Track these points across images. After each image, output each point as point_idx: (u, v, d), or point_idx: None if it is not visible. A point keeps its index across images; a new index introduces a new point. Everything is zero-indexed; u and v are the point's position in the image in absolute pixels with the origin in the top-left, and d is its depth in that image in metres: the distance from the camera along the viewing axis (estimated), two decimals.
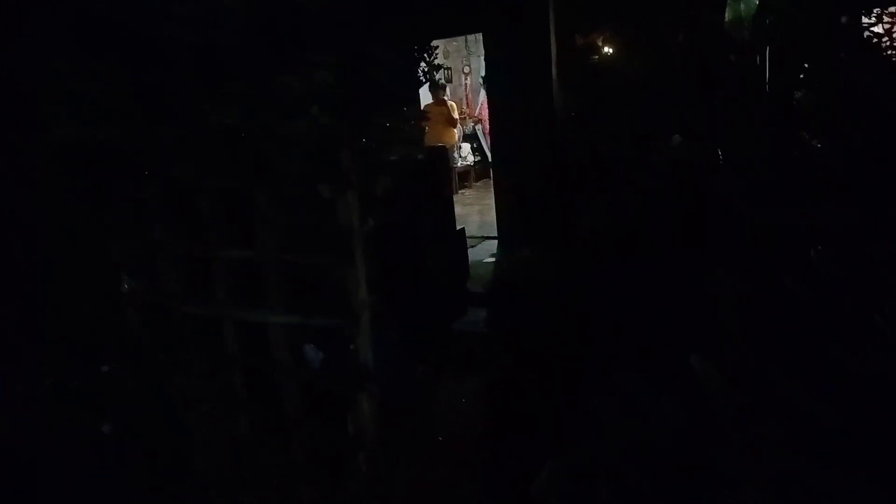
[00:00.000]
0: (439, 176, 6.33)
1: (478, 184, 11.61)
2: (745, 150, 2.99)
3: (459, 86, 11.44)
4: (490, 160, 11.03)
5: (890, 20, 3.12)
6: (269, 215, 3.47)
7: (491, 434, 3.32)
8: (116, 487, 3.06)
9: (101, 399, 3.47)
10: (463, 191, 11.15)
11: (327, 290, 3.61)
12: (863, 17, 3.27)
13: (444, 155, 6.87)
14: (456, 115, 10.32)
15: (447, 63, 11.41)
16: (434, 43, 5.91)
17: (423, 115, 5.65)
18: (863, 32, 3.20)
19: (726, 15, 3.58)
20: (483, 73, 8.53)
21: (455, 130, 10.52)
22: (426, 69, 5.07)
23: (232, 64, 2.83)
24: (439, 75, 11.85)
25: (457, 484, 3.11)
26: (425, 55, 4.74)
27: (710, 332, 2.62)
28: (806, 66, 3.49)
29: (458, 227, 6.36)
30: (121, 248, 3.85)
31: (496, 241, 7.28)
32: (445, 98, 10.51)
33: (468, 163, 11.66)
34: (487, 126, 10.74)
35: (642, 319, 2.88)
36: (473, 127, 11.92)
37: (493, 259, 6.79)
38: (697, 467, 2.37)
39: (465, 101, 12.11)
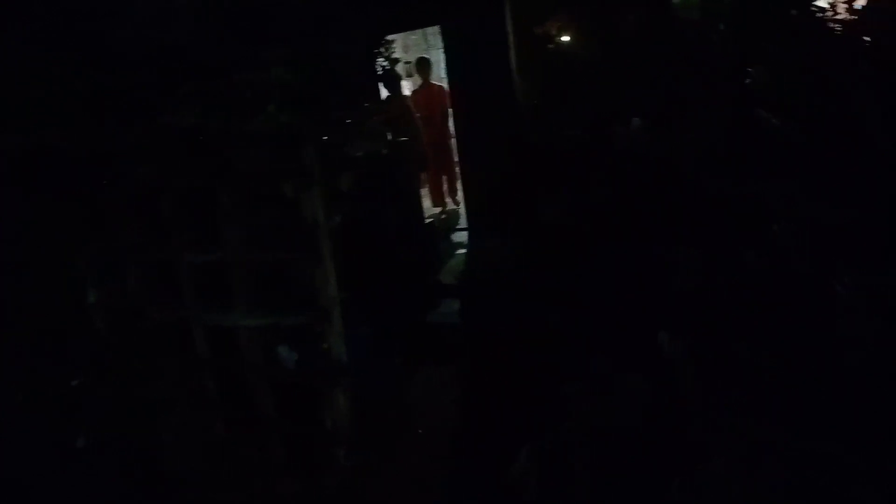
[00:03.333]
0: (406, 169, 6.34)
1: None
2: (702, 130, 3.04)
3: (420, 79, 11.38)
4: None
5: None
6: (233, 216, 3.45)
7: (465, 423, 3.35)
8: (93, 493, 3.02)
9: (74, 408, 3.43)
10: None
11: (297, 288, 3.61)
12: None
13: (410, 149, 6.88)
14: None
15: (407, 57, 11.35)
16: (392, 37, 5.90)
17: (384, 109, 5.64)
18: (810, 6, 3.27)
19: None
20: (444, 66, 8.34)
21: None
22: (385, 63, 5.06)
23: (187, 64, 2.80)
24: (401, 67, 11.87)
25: (433, 473, 3.13)
26: (382, 49, 4.73)
27: (675, 311, 2.68)
28: (759, 42, 3.56)
29: (432, 219, 6.40)
30: (87, 256, 3.80)
31: (467, 233, 7.30)
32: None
33: None
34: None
35: (608, 304, 2.93)
36: None
37: (465, 251, 6.81)
38: (666, 440, 2.43)
39: None
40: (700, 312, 2.62)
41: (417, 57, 9.54)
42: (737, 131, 2.92)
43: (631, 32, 3.88)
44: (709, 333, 2.58)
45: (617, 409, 2.65)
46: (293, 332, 3.69)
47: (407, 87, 11.36)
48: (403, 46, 11.47)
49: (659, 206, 2.94)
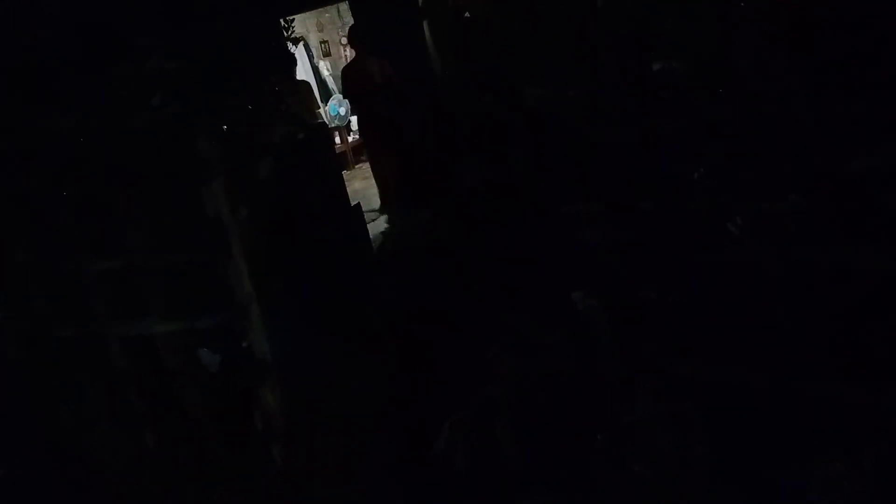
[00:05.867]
0: (325, 152, 6.18)
1: None
2: (605, 89, 3.03)
3: (340, 58, 11.12)
4: None
5: None
6: (134, 218, 3.27)
7: (401, 399, 3.30)
8: None
9: None
10: (360, 165, 10.94)
11: (213, 287, 3.46)
12: None
13: (325, 131, 6.68)
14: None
15: (322, 36, 11.06)
16: (304, 15, 5.66)
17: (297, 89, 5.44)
18: None
19: None
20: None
21: None
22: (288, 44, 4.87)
23: (56, 63, 2.59)
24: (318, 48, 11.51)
25: (368, 457, 3.08)
26: (283, 28, 4.55)
27: (587, 266, 2.69)
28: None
29: (357, 201, 6.24)
30: None
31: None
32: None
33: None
34: None
35: (526, 267, 2.91)
36: None
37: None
38: (589, 395, 2.44)
39: None
40: (609, 263, 2.64)
41: (350, 25, 7.31)
42: (638, 87, 2.92)
43: None
44: (620, 282, 2.60)
45: (538, 368, 2.64)
46: (214, 333, 3.54)
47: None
48: (318, 25, 11.18)
49: (564, 164, 2.92)
